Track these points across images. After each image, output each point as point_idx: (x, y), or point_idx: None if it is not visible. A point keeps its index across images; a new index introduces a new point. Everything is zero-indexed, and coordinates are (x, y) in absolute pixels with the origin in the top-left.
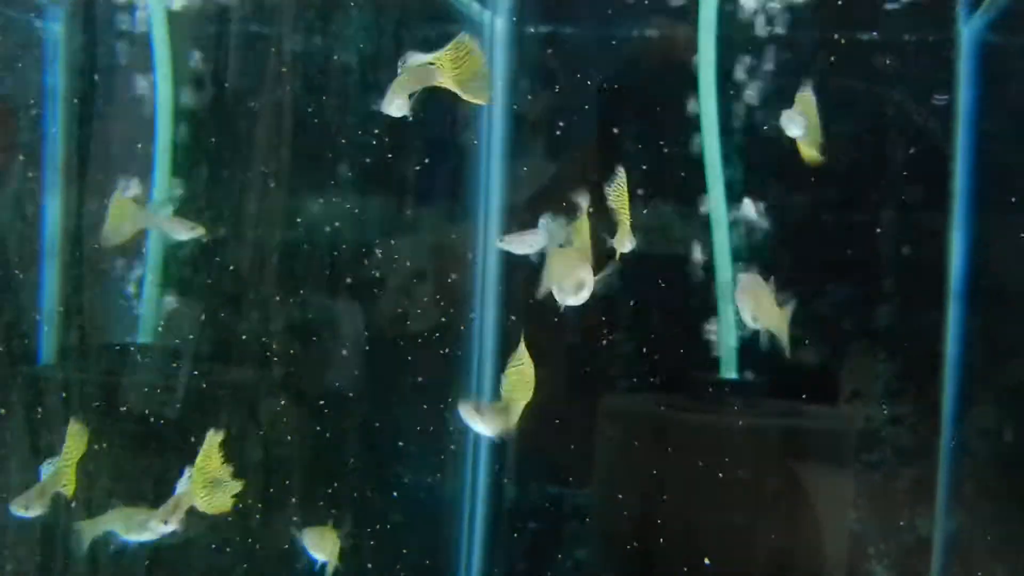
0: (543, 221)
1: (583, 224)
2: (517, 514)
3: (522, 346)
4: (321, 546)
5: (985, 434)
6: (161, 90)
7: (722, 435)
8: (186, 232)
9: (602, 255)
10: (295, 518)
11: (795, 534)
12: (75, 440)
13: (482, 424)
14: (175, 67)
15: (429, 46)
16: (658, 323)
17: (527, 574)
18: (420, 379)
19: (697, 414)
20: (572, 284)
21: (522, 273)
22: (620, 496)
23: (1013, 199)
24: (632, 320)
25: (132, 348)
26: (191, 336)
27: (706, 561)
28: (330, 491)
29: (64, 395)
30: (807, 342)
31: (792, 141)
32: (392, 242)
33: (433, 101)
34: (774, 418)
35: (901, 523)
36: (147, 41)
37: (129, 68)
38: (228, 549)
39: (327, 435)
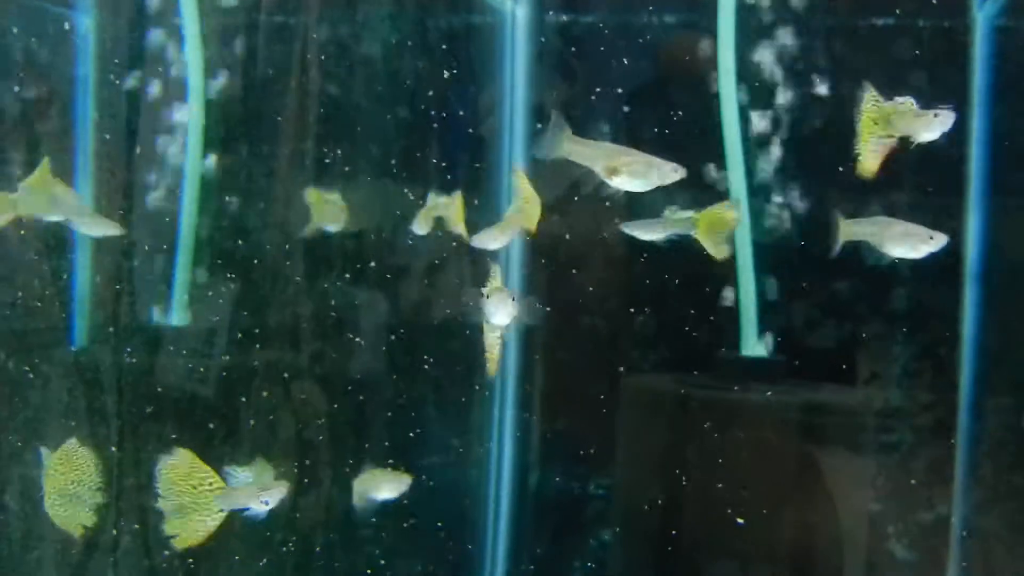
0: None
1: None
2: (542, 497)
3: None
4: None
5: (1002, 414)
6: (192, 78)
7: (742, 412)
8: (102, 229)
9: None
10: (318, 501)
11: (815, 512)
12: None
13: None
14: (206, 56)
15: (452, 35)
16: (679, 305)
17: (553, 556)
18: (444, 364)
19: (717, 391)
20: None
21: (544, 259)
22: (642, 476)
23: None
24: (654, 303)
25: (166, 331)
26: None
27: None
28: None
29: (96, 377)
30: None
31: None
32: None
33: (455, 92)
34: (794, 396)
35: (920, 502)
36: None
37: (160, 58)
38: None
39: (352, 420)
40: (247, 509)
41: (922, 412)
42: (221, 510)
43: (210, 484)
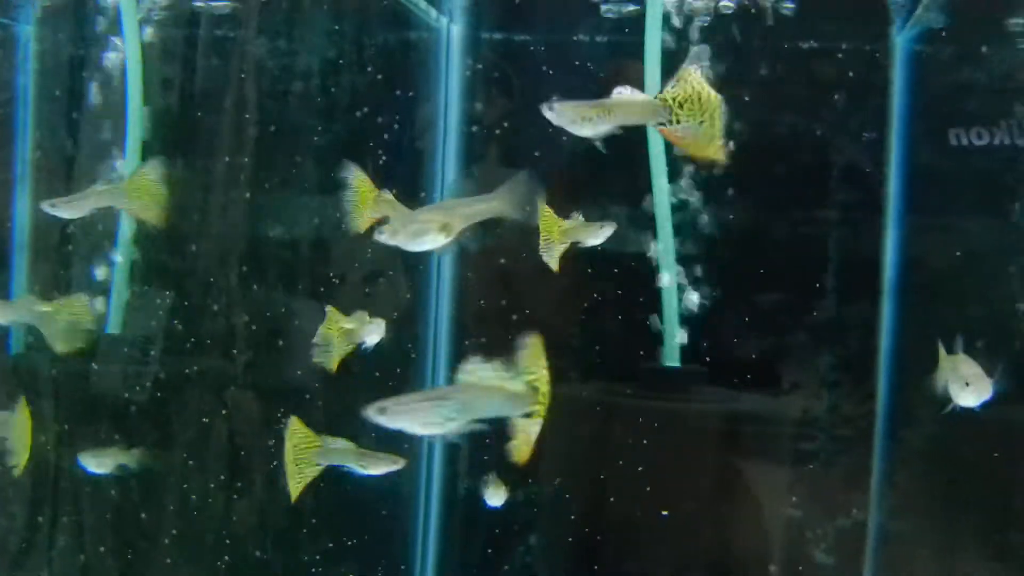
0: None
1: None
2: (470, 505)
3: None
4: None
5: (917, 423)
6: (131, 92)
7: (664, 421)
8: None
9: None
10: (253, 507)
11: (735, 518)
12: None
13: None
14: (145, 70)
15: (388, 51)
16: (604, 317)
17: (481, 565)
18: (377, 373)
19: (639, 400)
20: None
21: (476, 272)
22: (568, 483)
23: (942, 199)
24: (581, 315)
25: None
26: (157, 327)
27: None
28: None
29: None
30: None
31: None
32: (351, 240)
33: (391, 107)
34: (714, 405)
35: (837, 508)
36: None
37: (100, 69)
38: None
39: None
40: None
41: (840, 421)
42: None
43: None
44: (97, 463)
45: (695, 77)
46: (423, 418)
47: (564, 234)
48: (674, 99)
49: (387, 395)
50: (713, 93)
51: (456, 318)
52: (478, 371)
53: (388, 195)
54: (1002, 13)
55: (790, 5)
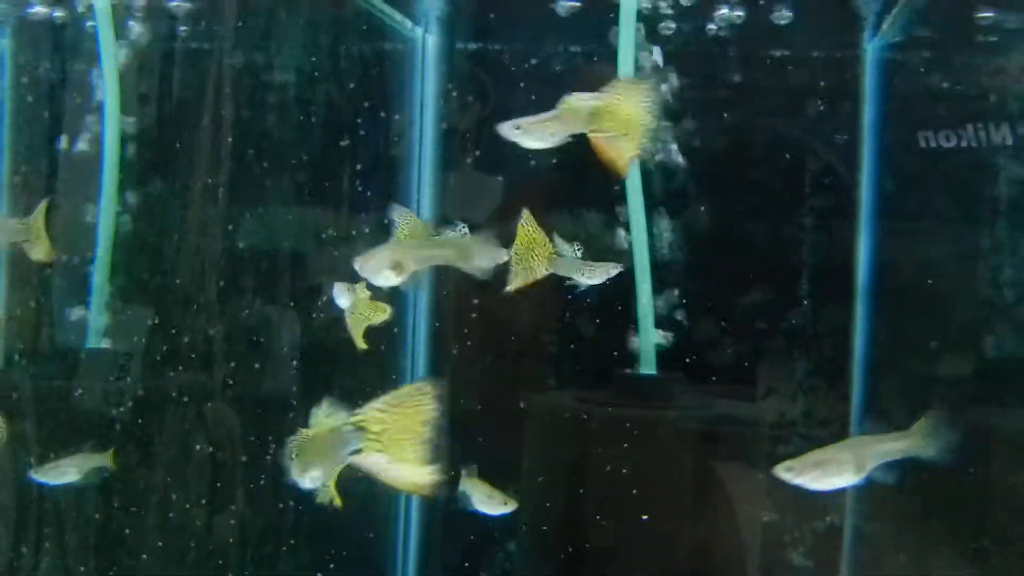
0: None
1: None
2: (450, 513)
3: None
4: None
5: (889, 426)
6: (109, 107)
7: (640, 428)
8: None
9: None
10: (234, 514)
11: (712, 523)
12: None
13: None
14: (121, 82)
15: (364, 62)
16: (580, 325)
17: (461, 571)
18: (355, 381)
19: (615, 408)
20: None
21: (453, 280)
22: (546, 489)
23: (913, 206)
24: (556, 324)
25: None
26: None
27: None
28: (269, 492)
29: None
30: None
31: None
32: (328, 250)
33: (367, 116)
34: (691, 411)
35: (814, 513)
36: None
37: (76, 82)
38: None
39: (263, 437)
40: None
41: (815, 424)
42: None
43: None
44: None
45: (626, 90)
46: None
47: (549, 263)
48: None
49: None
50: (638, 110)
51: (435, 328)
52: (321, 415)
53: None
54: (969, 22)
55: (789, 14)
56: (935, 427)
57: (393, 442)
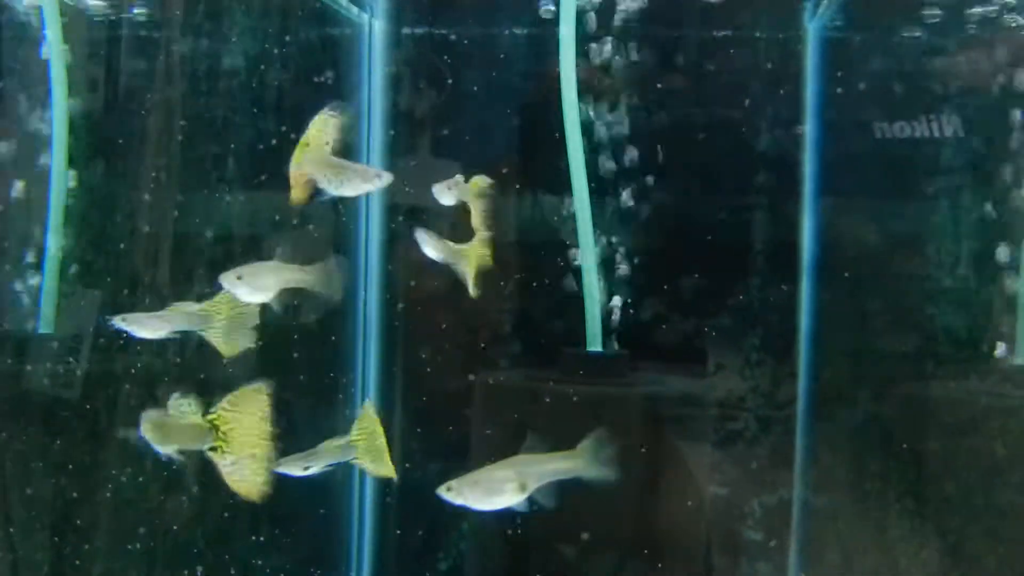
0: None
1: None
2: (404, 492)
3: None
4: None
5: (837, 401)
6: (56, 91)
7: (589, 405)
8: None
9: None
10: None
11: (662, 498)
12: None
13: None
14: (68, 69)
15: (311, 49)
16: (529, 303)
17: (415, 551)
18: (309, 367)
19: (564, 385)
20: None
21: (402, 264)
22: None
23: (854, 184)
24: (507, 301)
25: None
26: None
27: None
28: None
29: None
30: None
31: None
32: (279, 235)
33: (314, 104)
34: (638, 388)
35: (763, 486)
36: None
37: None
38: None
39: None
40: None
41: (763, 401)
42: None
43: None
44: None
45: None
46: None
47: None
48: None
49: (319, 389)
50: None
51: (384, 311)
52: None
53: None
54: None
55: None
56: (598, 447)
57: (238, 440)
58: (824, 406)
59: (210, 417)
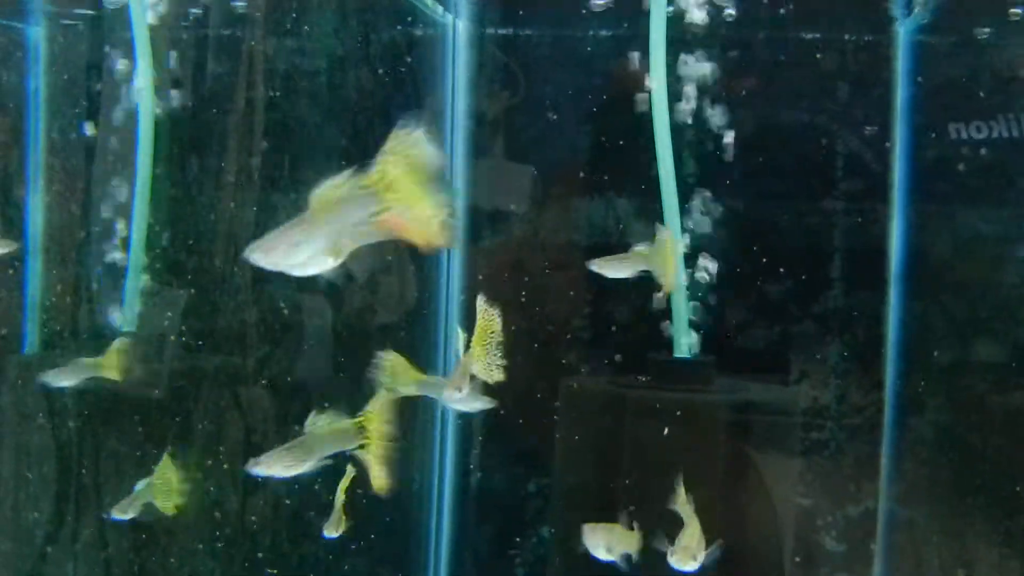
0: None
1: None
2: (483, 497)
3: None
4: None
5: (924, 411)
6: (142, 92)
7: (674, 411)
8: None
9: None
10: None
11: (746, 508)
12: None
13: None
14: (156, 70)
15: (395, 48)
16: (615, 310)
17: (495, 556)
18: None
19: (650, 392)
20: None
21: (487, 265)
22: (580, 474)
23: (945, 189)
24: (592, 308)
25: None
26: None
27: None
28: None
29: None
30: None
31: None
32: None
33: (398, 102)
34: (723, 395)
35: (847, 496)
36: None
37: (111, 71)
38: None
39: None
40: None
41: (849, 410)
42: None
43: None
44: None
45: (396, 153)
46: (284, 461)
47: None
48: (379, 182)
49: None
50: (410, 174)
51: (468, 311)
52: (317, 420)
53: None
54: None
55: None
56: None
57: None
58: (911, 416)
59: (358, 420)
